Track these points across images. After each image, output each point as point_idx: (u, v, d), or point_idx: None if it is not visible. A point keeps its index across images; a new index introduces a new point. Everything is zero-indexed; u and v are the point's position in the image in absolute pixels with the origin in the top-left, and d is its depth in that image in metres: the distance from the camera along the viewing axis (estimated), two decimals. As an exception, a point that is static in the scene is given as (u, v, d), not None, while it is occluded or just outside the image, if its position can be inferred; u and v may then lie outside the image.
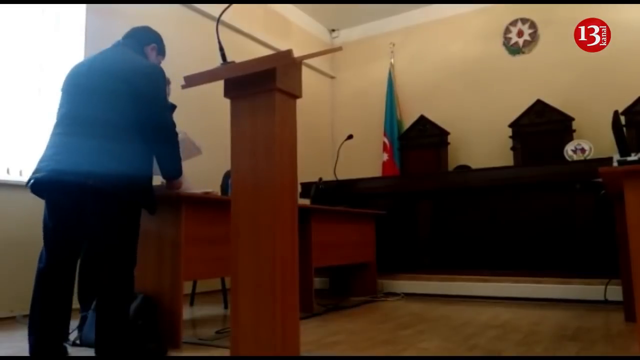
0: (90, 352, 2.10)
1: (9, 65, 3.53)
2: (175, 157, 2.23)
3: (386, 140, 6.54)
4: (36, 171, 2.01)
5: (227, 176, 3.86)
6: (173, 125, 2.18)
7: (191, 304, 3.91)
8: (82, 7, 3.95)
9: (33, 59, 3.67)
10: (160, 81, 2.15)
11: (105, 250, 1.99)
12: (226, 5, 1.96)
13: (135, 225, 2.11)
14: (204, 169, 3.73)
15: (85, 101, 2.04)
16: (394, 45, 6.86)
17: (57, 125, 2.09)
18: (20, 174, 3.47)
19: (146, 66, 2.16)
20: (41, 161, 2.03)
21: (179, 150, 2.22)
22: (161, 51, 2.44)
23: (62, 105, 2.13)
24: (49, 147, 2.06)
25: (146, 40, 2.36)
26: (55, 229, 2.03)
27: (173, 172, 2.26)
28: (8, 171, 3.44)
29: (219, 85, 1.74)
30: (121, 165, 1.96)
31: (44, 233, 2.06)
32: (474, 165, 5.56)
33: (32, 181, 2.01)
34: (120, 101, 2.01)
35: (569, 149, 5.13)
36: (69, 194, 1.97)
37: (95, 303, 2.04)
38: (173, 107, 2.88)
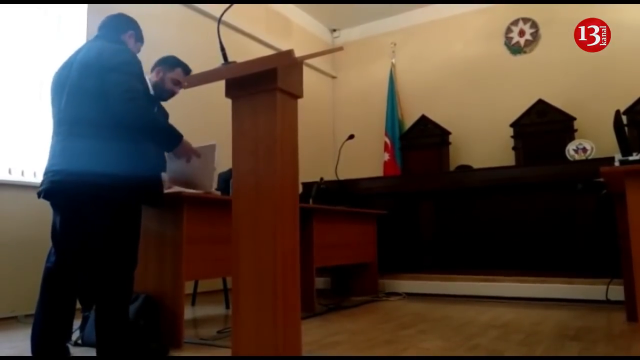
0: (92, 352, 2.10)
1: (11, 66, 3.53)
2: (162, 138, 2.12)
3: (387, 140, 6.54)
4: (41, 183, 2.04)
5: (221, 177, 3.85)
6: (137, 113, 1.98)
7: (193, 303, 3.92)
8: (83, 8, 3.96)
9: (35, 59, 3.67)
10: (121, 65, 1.99)
11: (96, 252, 1.98)
12: (227, 5, 1.95)
13: (130, 225, 2.06)
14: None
15: (69, 102, 2.02)
16: (395, 45, 6.85)
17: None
18: (22, 174, 3.48)
19: (110, 55, 2.01)
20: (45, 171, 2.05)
21: (159, 129, 2.10)
22: (139, 37, 2.34)
23: (52, 107, 2.13)
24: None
25: (123, 28, 2.26)
26: (60, 230, 2.04)
27: (169, 148, 2.19)
28: (10, 171, 3.45)
29: (220, 85, 1.74)
30: (100, 165, 1.93)
31: (52, 235, 2.08)
32: (475, 165, 5.55)
33: (38, 192, 2.04)
34: (100, 99, 1.96)
35: (570, 148, 5.13)
36: (60, 196, 1.99)
37: (95, 305, 2.04)
38: (166, 115, 2.87)
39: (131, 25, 2.30)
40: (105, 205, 1.97)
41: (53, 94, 2.13)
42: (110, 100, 1.95)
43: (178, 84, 2.61)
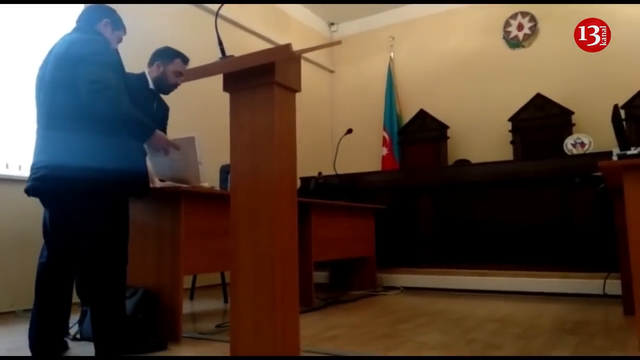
0: (90, 346, 2.10)
1: (9, 63, 3.52)
2: (134, 129, 2.07)
3: (386, 135, 6.53)
4: (28, 180, 2.02)
5: (224, 170, 3.86)
6: (106, 104, 1.92)
7: (191, 298, 3.92)
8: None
9: (34, 57, 3.65)
10: (90, 55, 1.94)
11: (91, 247, 1.97)
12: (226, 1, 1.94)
13: (121, 218, 2.04)
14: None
15: (47, 97, 2.01)
16: (393, 39, 6.83)
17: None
18: (20, 168, 3.46)
19: (80, 46, 1.98)
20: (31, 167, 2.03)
21: (130, 119, 2.03)
22: (117, 25, 2.23)
23: (35, 104, 2.11)
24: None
25: (96, 17, 2.18)
26: (50, 226, 2.04)
27: (142, 138, 2.15)
28: (7, 166, 3.44)
29: (218, 79, 1.74)
30: (87, 158, 1.90)
31: (43, 230, 2.08)
32: (473, 160, 5.56)
33: (26, 189, 2.02)
34: (73, 91, 1.93)
35: (568, 143, 5.13)
36: (48, 191, 1.98)
37: (90, 302, 2.03)
38: (166, 109, 2.85)
39: (105, 13, 2.22)
40: (101, 200, 1.95)
41: (35, 91, 2.11)
42: (80, 92, 1.92)
43: (179, 74, 2.59)
